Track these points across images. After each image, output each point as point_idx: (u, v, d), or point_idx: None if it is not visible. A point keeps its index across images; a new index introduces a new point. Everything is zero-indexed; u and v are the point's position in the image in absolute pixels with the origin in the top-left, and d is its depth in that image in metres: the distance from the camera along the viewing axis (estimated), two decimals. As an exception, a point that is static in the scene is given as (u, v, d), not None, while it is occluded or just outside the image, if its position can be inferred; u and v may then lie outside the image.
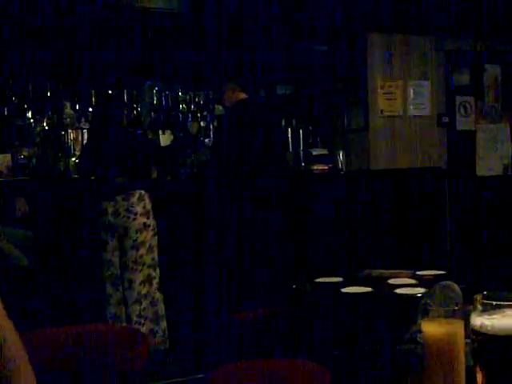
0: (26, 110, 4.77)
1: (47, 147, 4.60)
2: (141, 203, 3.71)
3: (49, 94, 4.88)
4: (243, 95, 4.19)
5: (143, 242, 3.71)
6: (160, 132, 5.09)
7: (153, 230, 3.76)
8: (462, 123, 5.54)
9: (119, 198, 3.68)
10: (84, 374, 1.75)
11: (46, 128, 4.75)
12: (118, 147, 3.79)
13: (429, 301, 1.75)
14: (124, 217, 3.67)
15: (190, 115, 5.33)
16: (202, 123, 5.30)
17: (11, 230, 3.62)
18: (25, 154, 4.49)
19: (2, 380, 0.87)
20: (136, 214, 3.69)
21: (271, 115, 4.53)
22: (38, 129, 4.73)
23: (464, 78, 5.62)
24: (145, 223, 3.71)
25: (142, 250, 3.71)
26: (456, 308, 1.12)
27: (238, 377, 1.88)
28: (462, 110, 5.53)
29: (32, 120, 4.75)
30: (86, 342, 1.90)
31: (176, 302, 3.99)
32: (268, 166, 4.15)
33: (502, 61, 5.71)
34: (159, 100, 5.27)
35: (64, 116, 4.82)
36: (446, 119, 5.41)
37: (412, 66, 5.29)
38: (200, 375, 3.32)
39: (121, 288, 3.70)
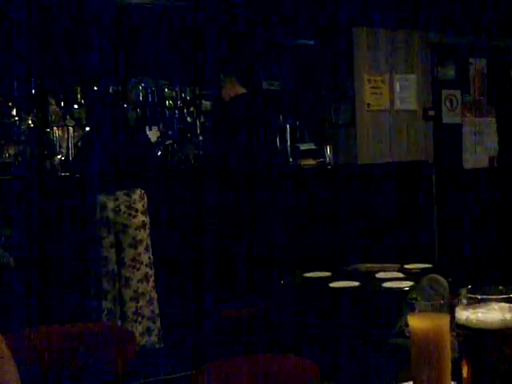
0: (11, 108, 4.72)
1: (33, 145, 4.56)
2: (142, 201, 3.70)
3: (33, 92, 4.84)
4: (242, 89, 4.19)
5: (141, 241, 3.68)
6: (147, 128, 5.06)
7: (149, 228, 3.74)
8: (448, 117, 5.56)
9: (120, 194, 3.65)
10: (71, 372, 1.74)
11: (32, 126, 4.70)
12: (118, 145, 3.76)
13: (416, 294, 1.76)
14: (125, 213, 3.63)
15: (176, 111, 5.31)
16: (188, 119, 5.28)
17: None
18: (10, 152, 4.45)
19: None
20: (137, 211, 3.67)
21: (269, 110, 4.53)
22: (23, 127, 4.68)
23: (450, 72, 5.64)
24: (143, 221, 3.69)
25: (140, 248, 3.68)
26: (442, 302, 1.12)
27: (227, 373, 1.88)
28: (448, 104, 5.56)
29: (17, 118, 4.70)
30: (73, 340, 1.88)
31: (169, 300, 3.97)
32: (265, 160, 4.17)
33: (487, 54, 5.74)
34: (145, 96, 5.24)
35: (49, 113, 4.78)
36: (432, 113, 5.43)
37: (398, 60, 5.30)
38: (188, 372, 3.31)
39: (117, 284, 3.67)
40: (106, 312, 3.63)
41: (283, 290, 2.80)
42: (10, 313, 3.50)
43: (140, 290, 3.67)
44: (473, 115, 5.66)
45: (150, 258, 3.74)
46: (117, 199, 3.63)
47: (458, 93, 5.60)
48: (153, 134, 5.05)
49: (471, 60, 5.68)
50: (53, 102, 4.83)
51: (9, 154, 4.43)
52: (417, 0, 5.03)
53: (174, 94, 5.35)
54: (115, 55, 4.92)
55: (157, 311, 3.76)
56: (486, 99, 5.73)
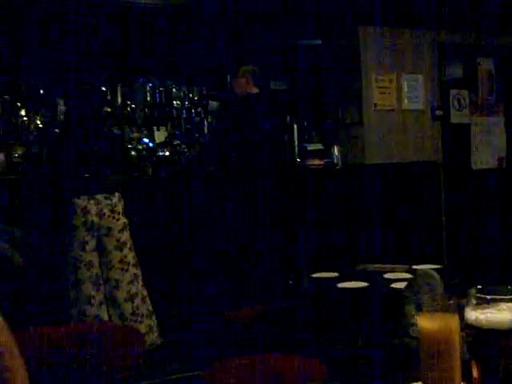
0: (20, 109, 4.75)
1: (41, 145, 4.58)
2: (120, 203, 3.70)
3: (42, 92, 4.86)
4: (255, 89, 4.21)
5: (125, 242, 3.69)
6: (154, 128, 5.08)
7: (129, 229, 3.74)
8: (456, 116, 5.54)
9: (101, 197, 3.65)
10: (79, 372, 1.74)
11: (40, 126, 4.72)
12: (89, 144, 3.74)
13: (410, 290, 1.76)
14: (109, 217, 3.63)
15: (184, 111, 5.32)
16: (196, 118, 5.29)
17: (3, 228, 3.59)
18: (19, 152, 4.47)
19: None
20: (119, 213, 3.67)
21: (279, 111, 4.53)
22: (32, 126, 4.70)
23: (458, 72, 5.62)
24: (125, 223, 3.70)
25: (126, 250, 3.69)
26: (450, 302, 1.12)
27: (234, 373, 1.88)
28: (456, 104, 5.53)
29: (26, 118, 4.72)
30: (81, 340, 1.89)
31: (159, 298, 3.97)
32: (270, 161, 4.16)
33: (495, 54, 5.71)
34: (152, 96, 5.26)
35: (58, 114, 4.80)
36: (440, 113, 5.41)
37: (406, 59, 5.28)
38: (196, 372, 3.31)
39: (102, 288, 3.67)
40: (91, 318, 3.58)
41: (291, 291, 2.79)
42: (18, 312, 3.51)
43: (132, 291, 3.68)
44: (481, 115, 5.64)
45: (134, 257, 3.74)
46: (99, 203, 3.63)
47: (465, 92, 5.58)
48: (160, 134, 5.06)
49: (479, 59, 5.66)
50: (61, 102, 4.84)
51: (18, 154, 4.44)
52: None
53: (181, 94, 5.36)
54: (123, 55, 4.93)
55: (150, 308, 3.77)
56: (494, 99, 5.70)
